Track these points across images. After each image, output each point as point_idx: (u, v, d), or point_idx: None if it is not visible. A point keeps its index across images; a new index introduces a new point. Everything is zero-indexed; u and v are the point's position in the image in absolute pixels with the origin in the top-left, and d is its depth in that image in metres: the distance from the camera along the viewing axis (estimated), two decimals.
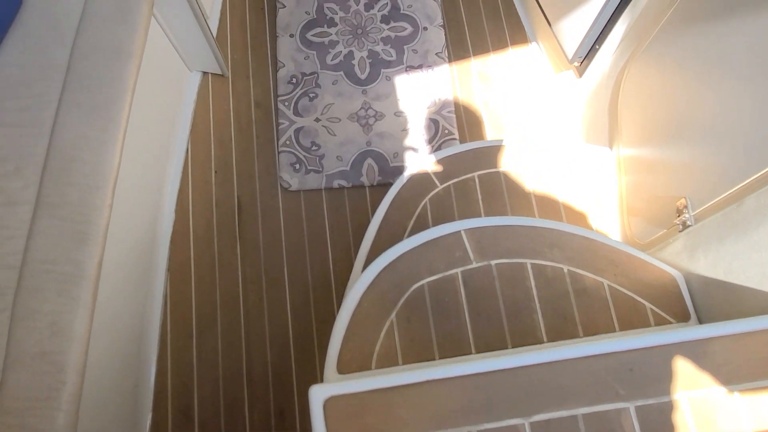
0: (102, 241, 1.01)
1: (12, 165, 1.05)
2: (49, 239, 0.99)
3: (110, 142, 1.05)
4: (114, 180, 1.05)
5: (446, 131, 1.62)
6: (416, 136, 1.62)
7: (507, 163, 1.33)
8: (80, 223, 1.00)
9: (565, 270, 0.99)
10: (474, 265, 0.99)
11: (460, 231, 1.02)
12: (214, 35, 1.71)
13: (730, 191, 0.87)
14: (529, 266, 0.99)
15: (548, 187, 1.31)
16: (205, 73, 1.67)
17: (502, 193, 1.29)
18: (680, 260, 1.02)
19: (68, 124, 1.07)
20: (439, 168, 1.34)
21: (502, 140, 1.35)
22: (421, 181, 1.32)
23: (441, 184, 1.29)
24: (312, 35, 1.75)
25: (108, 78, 1.11)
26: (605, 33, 1.34)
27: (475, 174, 1.31)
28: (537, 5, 1.63)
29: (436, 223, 1.25)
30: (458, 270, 0.98)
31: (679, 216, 1.00)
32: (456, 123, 1.64)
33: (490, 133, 1.65)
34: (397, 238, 1.25)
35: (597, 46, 1.39)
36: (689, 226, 0.97)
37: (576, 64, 1.50)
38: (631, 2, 1.21)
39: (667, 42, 1.10)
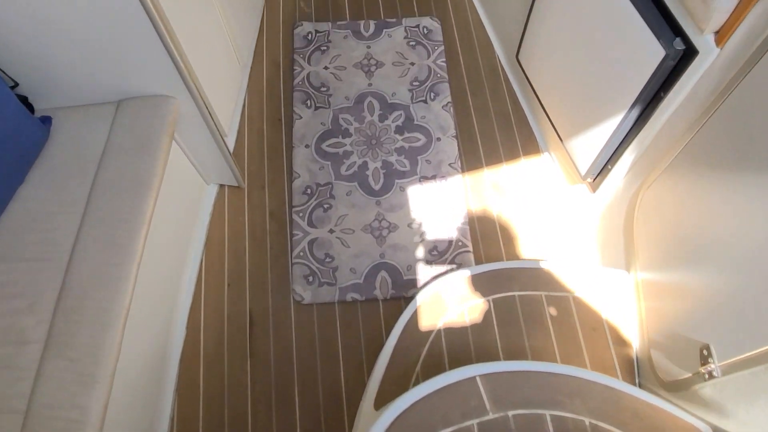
0: (109, 382, 1.00)
1: (26, 301, 1.05)
2: (56, 382, 0.98)
3: (123, 279, 1.05)
4: (125, 318, 1.04)
5: (460, 243, 1.61)
6: (430, 248, 1.61)
7: (522, 288, 1.30)
8: (89, 364, 0.99)
9: (587, 423, 0.95)
10: (490, 416, 0.95)
11: (475, 377, 0.98)
12: (232, 149, 1.76)
13: (757, 351, 0.83)
14: (548, 418, 0.95)
15: (566, 313, 1.28)
16: (221, 186, 1.70)
17: (518, 320, 1.26)
18: (708, 411, 0.97)
19: (84, 259, 1.08)
20: (452, 290, 1.32)
21: (516, 263, 1.34)
22: (435, 304, 1.30)
23: (454, 309, 1.27)
24: (327, 146, 1.79)
25: (126, 212, 1.12)
26: (617, 155, 1.34)
27: (490, 298, 1.29)
28: (548, 120, 1.66)
29: (450, 352, 1.22)
30: (474, 422, 0.94)
31: (704, 364, 0.96)
32: (470, 235, 1.63)
33: (505, 246, 1.63)
34: (411, 367, 1.22)
35: (609, 167, 1.39)
36: (716, 377, 0.93)
37: (589, 180, 1.50)
38: (640, 133, 1.22)
39: (680, 176, 1.10)
